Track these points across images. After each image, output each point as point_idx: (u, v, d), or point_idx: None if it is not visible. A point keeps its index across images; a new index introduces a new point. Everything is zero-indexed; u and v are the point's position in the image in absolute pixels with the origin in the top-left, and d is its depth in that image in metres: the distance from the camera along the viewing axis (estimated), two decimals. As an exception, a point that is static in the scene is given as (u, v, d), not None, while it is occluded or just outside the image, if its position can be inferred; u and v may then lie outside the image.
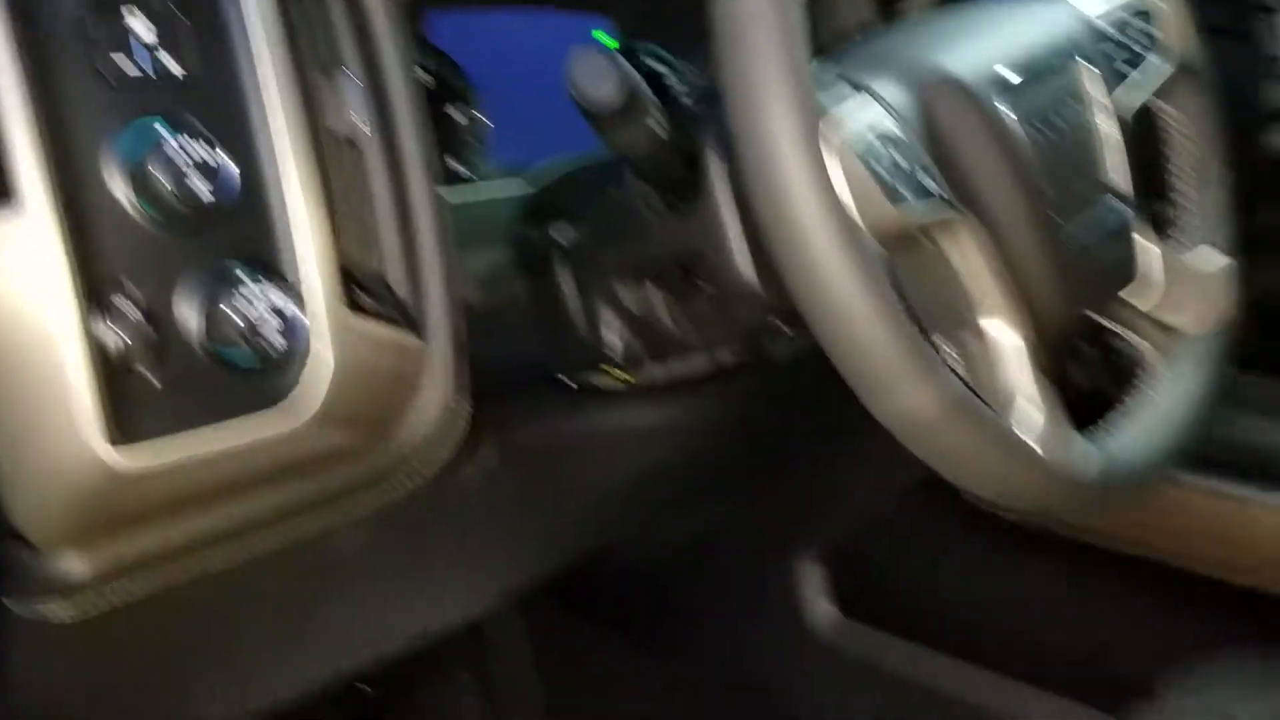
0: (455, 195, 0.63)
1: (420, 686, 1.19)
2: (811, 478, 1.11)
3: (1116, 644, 0.83)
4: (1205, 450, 0.92)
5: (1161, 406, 0.57)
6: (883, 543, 1.11)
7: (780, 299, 0.55)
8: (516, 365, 0.66)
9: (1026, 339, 0.50)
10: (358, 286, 0.52)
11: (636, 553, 1.20)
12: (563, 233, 0.63)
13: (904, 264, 0.48)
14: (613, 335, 0.65)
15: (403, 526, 0.61)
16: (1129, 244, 0.58)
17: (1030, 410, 0.50)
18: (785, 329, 0.61)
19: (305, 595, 0.62)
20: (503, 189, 0.70)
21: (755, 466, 1.02)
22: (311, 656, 0.67)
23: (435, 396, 0.55)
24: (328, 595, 0.63)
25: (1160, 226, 0.62)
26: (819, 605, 1.13)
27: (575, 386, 0.68)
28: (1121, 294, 0.59)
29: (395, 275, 0.54)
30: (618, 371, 0.67)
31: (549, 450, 0.69)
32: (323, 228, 0.49)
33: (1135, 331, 0.60)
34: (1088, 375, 0.60)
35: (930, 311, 0.48)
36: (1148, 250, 0.60)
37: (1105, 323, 0.60)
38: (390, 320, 0.52)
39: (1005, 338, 0.50)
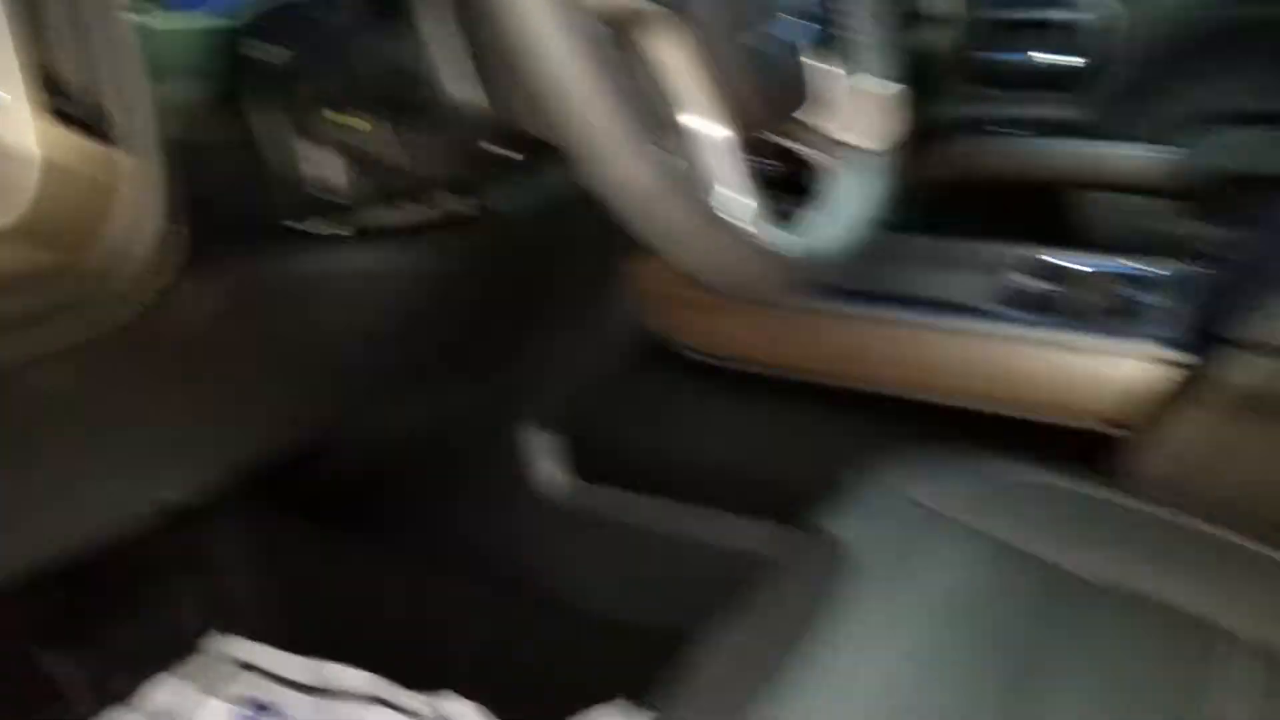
0: (156, 21, 0.60)
1: (137, 590, 1.14)
2: (536, 347, 1.15)
3: (824, 465, 0.93)
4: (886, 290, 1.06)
5: (844, 207, 0.65)
6: (608, 404, 1.17)
7: (504, 116, 0.57)
8: (236, 205, 0.64)
9: (730, 135, 0.55)
10: (59, 94, 0.49)
11: (366, 442, 1.20)
12: (272, 58, 0.62)
13: (627, 52, 0.51)
14: (331, 173, 0.64)
15: (120, 366, 0.58)
16: (800, 63, 0.64)
17: (738, 198, 0.55)
18: (511, 154, 0.62)
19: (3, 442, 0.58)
20: (203, 19, 0.67)
21: (480, 331, 1.04)
22: (20, 521, 0.63)
23: (143, 215, 0.53)
24: (31, 442, 0.60)
25: (839, 54, 0.69)
26: (553, 472, 1.18)
27: (296, 229, 0.67)
28: (805, 113, 0.66)
29: (95, 89, 0.52)
30: (337, 215, 0.66)
31: (273, 294, 0.68)
32: (24, 31, 0.46)
33: (818, 147, 0.68)
34: (782, 176, 0.67)
35: (648, 101, 0.52)
36: (828, 74, 0.67)
37: (786, 143, 0.67)
38: (94, 131, 0.50)
39: (711, 132, 0.54)
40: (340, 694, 1.18)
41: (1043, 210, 1.27)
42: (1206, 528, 0.83)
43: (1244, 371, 0.88)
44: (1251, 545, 0.82)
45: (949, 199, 1.25)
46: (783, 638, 0.67)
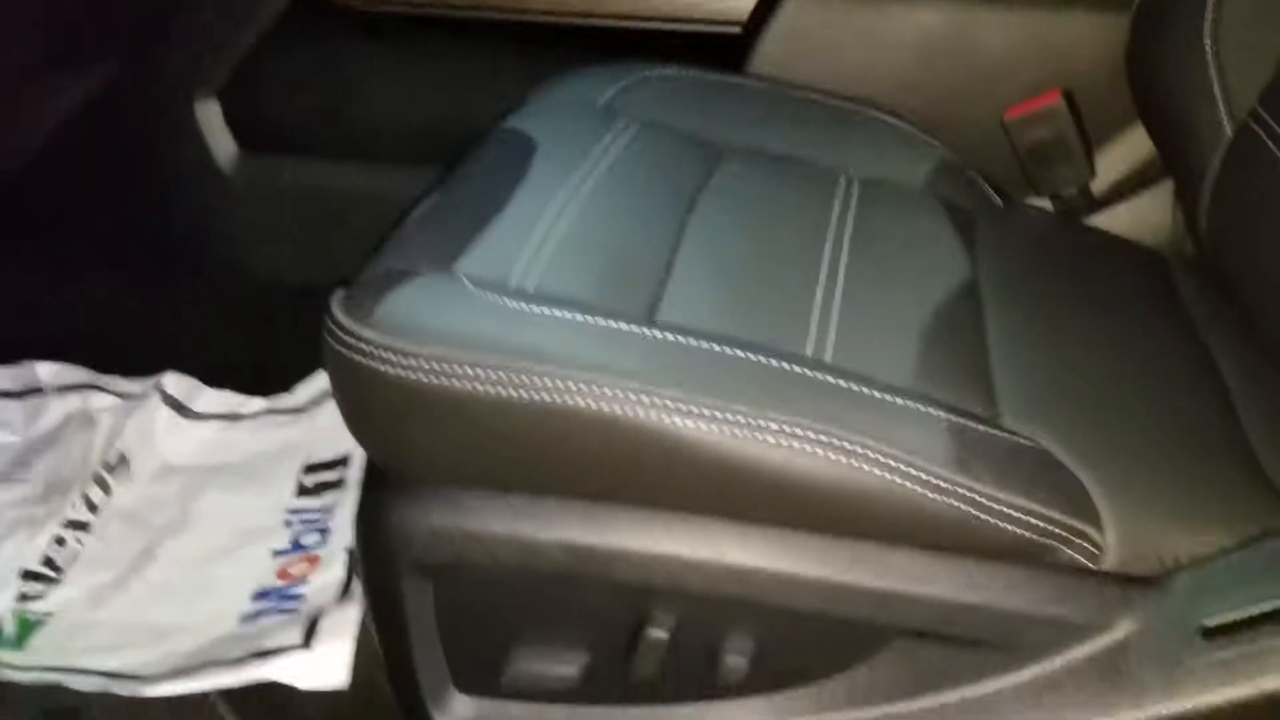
0: None
1: None
2: (189, 15, 1.12)
3: (492, 102, 1.01)
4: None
5: None
6: (269, 67, 1.17)
7: None
8: None
9: None
10: None
11: (24, 136, 1.15)
12: None
13: None
14: None
15: None
16: None
17: None
18: None
19: None
20: None
21: (131, 2, 1.01)
22: None
23: None
24: None
25: None
26: (220, 143, 1.19)
27: None
28: None
29: None
30: None
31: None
32: None
33: None
34: None
35: None
36: None
37: None
38: None
39: None
40: (54, 390, 1.18)
41: None
42: (817, 96, 1.02)
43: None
44: (855, 107, 1.01)
45: None
46: (479, 209, 0.77)
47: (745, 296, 0.72)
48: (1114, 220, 1.02)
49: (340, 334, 0.62)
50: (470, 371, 0.60)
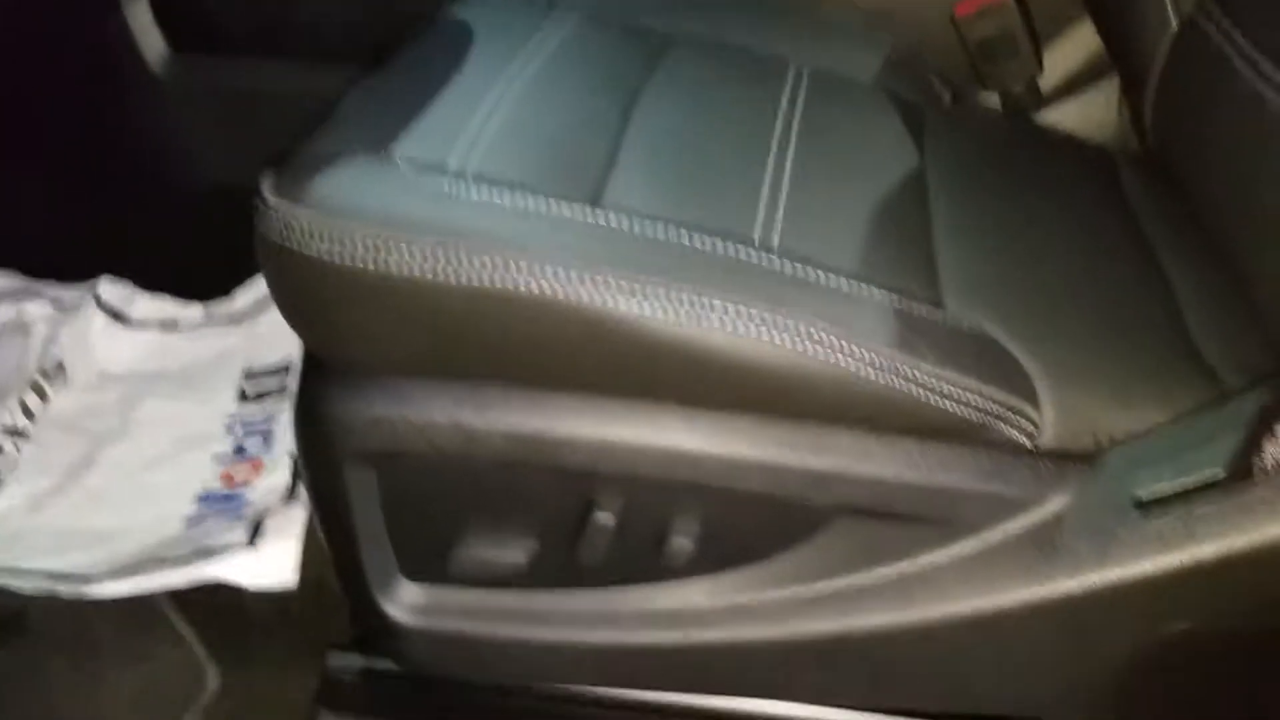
0: None
1: None
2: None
3: None
4: None
5: None
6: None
7: None
8: None
9: None
10: None
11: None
12: None
13: None
14: None
15: None
16: None
17: None
18: None
19: None
20: None
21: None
22: None
23: None
24: None
25: None
26: (148, 41, 1.14)
27: None
28: None
29: None
30: None
31: None
32: None
33: None
34: None
35: None
36: None
37: None
38: None
39: None
40: (-12, 298, 1.15)
41: None
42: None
43: None
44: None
45: None
46: (415, 94, 0.75)
47: (692, 181, 0.70)
48: (1062, 116, 1.02)
49: (270, 215, 0.60)
50: (406, 252, 0.58)
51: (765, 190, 0.71)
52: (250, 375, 1.12)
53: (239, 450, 1.03)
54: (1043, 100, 1.03)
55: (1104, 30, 0.97)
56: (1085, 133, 1.00)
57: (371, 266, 0.58)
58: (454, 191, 0.62)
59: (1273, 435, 0.58)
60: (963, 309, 0.65)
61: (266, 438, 1.04)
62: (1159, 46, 0.82)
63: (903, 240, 0.71)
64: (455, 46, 0.81)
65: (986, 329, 0.64)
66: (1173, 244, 0.79)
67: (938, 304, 0.65)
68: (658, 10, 0.92)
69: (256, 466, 1.01)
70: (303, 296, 0.63)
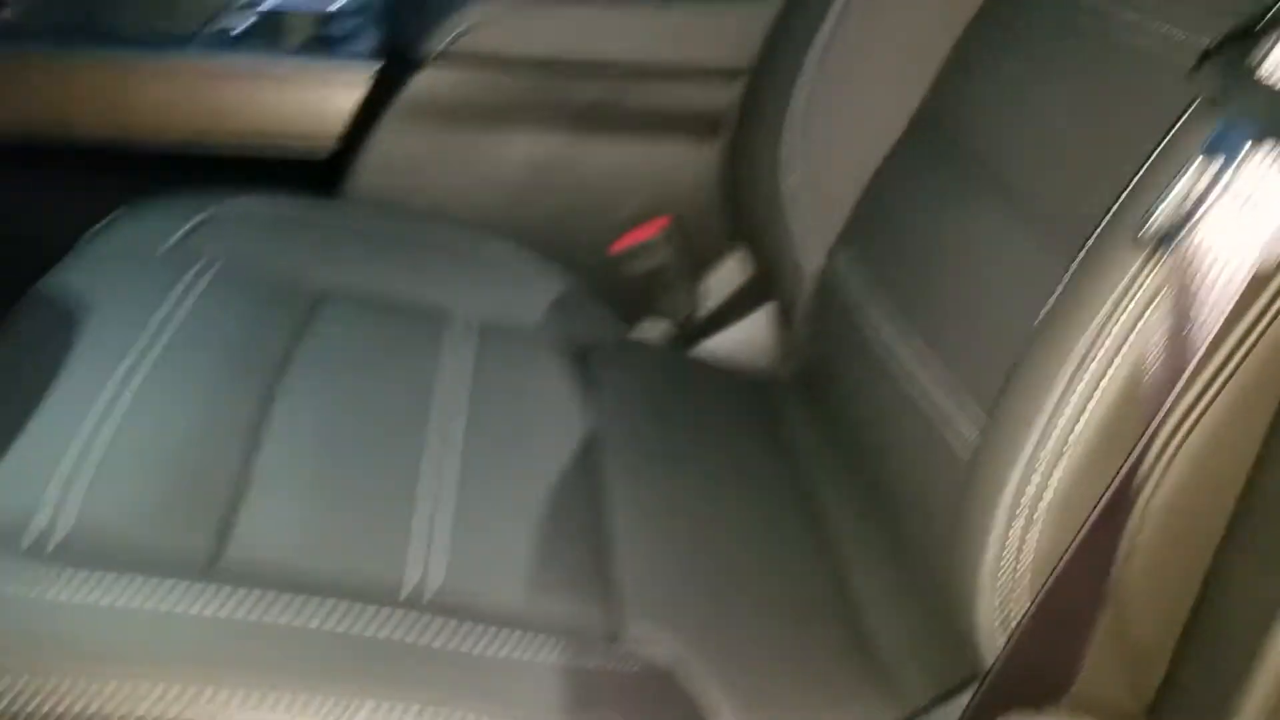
0: None
1: None
2: None
3: (56, 231, 0.85)
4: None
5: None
6: None
7: None
8: None
9: None
10: None
11: None
12: None
13: None
14: None
15: None
16: None
17: None
18: None
19: None
20: None
21: None
22: None
23: None
24: None
25: None
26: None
27: None
28: None
29: None
30: None
31: None
32: None
33: None
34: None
35: None
36: None
37: None
38: None
39: None
40: None
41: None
42: (426, 223, 0.95)
43: (432, 84, 0.98)
44: (470, 236, 0.94)
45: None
46: (19, 396, 0.64)
47: (339, 499, 0.63)
48: (726, 341, 1.03)
49: None
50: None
51: (426, 495, 0.65)
52: None
53: None
54: (708, 326, 1.04)
55: (754, 259, 0.99)
56: (750, 358, 1.01)
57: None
58: (35, 577, 0.51)
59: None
60: (644, 633, 0.61)
61: None
62: (798, 285, 0.85)
63: (575, 544, 0.66)
64: (55, 335, 0.70)
65: (668, 660, 0.60)
66: (834, 481, 0.78)
67: (615, 636, 0.60)
68: (306, 259, 0.85)
69: None
70: None
